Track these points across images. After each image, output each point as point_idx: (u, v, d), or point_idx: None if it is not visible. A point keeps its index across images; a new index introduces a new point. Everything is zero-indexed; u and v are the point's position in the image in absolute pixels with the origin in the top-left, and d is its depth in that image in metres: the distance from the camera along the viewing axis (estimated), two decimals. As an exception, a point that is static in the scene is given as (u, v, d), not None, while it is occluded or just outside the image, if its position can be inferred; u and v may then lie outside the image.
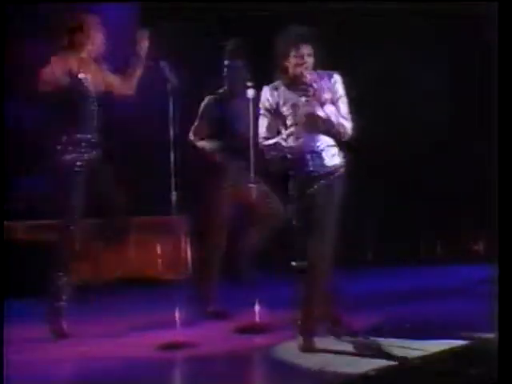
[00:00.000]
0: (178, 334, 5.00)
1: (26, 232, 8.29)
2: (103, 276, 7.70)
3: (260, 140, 4.81)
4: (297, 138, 4.67)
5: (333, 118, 4.64)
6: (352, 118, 4.76)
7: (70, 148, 5.28)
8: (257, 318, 5.41)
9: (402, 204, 9.94)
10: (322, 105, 4.62)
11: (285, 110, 4.72)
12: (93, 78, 5.34)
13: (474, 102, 8.78)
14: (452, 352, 3.92)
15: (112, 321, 5.85)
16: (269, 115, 4.76)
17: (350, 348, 4.64)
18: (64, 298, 5.29)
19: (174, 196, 5.20)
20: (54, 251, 5.34)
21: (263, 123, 4.78)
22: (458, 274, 8.25)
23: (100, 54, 5.41)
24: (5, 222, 7.86)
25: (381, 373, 3.73)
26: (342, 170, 4.75)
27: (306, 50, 4.62)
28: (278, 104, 4.73)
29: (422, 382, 3.48)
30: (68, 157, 5.27)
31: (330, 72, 4.74)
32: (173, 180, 5.20)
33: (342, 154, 4.79)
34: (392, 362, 4.05)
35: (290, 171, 4.77)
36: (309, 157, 4.69)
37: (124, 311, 6.26)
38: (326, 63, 4.73)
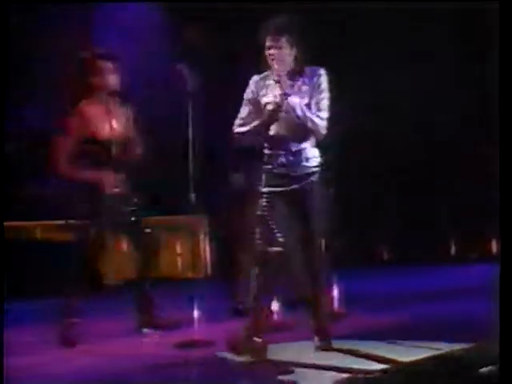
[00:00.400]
0: (195, 333, 5.06)
1: (45, 231, 8.37)
2: (123, 275, 7.83)
3: (234, 127, 4.76)
4: (269, 132, 4.60)
5: (297, 111, 4.52)
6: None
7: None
8: (274, 317, 5.54)
9: (417, 204, 9.97)
10: (287, 96, 4.51)
11: (263, 101, 4.65)
12: (116, 122, 5.32)
13: (476, 102, 8.78)
14: (452, 354, 3.90)
15: (130, 319, 5.92)
16: (249, 104, 4.70)
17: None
18: (78, 314, 5.29)
19: (193, 197, 5.21)
20: (72, 272, 5.33)
21: (242, 111, 4.72)
22: (470, 274, 8.29)
23: (118, 91, 5.38)
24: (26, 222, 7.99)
25: (379, 375, 3.73)
26: (319, 174, 4.65)
27: (279, 41, 4.50)
28: (259, 94, 4.66)
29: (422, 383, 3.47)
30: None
31: (316, 67, 4.63)
32: (192, 181, 5.21)
33: (321, 158, 4.67)
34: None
35: (264, 166, 4.70)
36: (283, 154, 4.60)
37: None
38: (325, 63, 4.69)
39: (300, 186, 4.60)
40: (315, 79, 4.59)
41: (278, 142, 4.63)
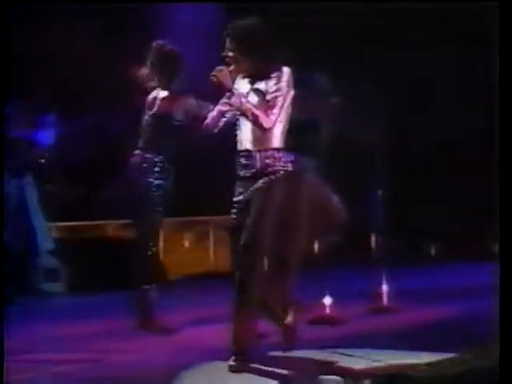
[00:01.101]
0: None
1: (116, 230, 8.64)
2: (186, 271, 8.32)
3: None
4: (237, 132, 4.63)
5: (236, 102, 4.49)
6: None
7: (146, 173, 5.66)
8: (327, 310, 5.68)
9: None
10: (232, 91, 4.51)
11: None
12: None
13: (476, 102, 8.78)
14: (453, 356, 3.89)
15: (189, 313, 6.10)
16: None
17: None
18: (153, 305, 5.61)
19: None
20: (137, 266, 5.66)
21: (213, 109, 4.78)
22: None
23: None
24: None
25: (380, 378, 3.74)
26: (275, 176, 4.55)
27: (229, 44, 4.56)
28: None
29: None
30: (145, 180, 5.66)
31: (279, 66, 4.57)
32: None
33: (282, 161, 4.58)
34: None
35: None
36: (242, 154, 4.59)
37: (204, 304, 6.61)
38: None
39: (250, 189, 4.56)
40: (274, 76, 4.53)
41: (240, 143, 4.62)
